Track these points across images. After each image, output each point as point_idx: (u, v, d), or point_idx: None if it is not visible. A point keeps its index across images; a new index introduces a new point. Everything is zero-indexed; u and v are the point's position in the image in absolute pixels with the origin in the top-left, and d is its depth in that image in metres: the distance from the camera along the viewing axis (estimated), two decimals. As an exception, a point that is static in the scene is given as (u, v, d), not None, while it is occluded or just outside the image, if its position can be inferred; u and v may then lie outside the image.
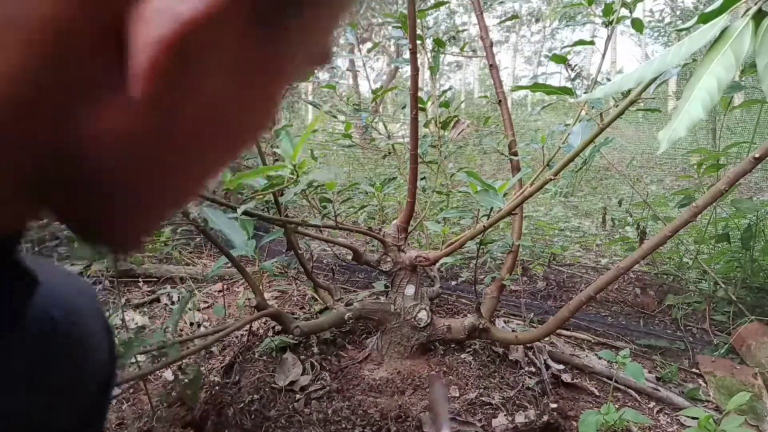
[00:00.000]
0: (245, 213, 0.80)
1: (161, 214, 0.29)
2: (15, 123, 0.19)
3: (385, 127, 1.61)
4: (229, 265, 0.91)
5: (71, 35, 0.17)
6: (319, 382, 1.01)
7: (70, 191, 0.22)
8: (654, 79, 0.70)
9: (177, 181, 0.26)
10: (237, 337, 1.25)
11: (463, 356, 1.12)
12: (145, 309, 1.44)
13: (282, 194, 0.93)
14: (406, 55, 0.93)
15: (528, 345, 1.16)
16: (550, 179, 0.86)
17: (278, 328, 1.21)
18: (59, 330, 0.36)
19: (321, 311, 1.30)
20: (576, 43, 1.04)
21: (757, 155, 0.69)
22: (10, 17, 0.17)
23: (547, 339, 1.25)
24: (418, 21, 1.03)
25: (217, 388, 1.02)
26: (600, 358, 1.15)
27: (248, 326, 1.24)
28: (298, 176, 0.73)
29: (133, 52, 0.17)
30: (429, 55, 1.22)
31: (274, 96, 0.25)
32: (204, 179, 0.27)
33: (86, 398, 0.39)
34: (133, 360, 0.87)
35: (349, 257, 1.14)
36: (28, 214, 0.23)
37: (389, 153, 1.64)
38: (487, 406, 0.96)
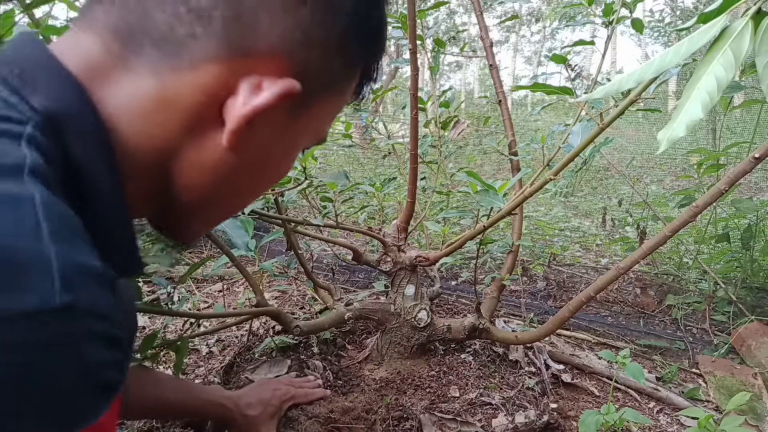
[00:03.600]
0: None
1: (217, 222, 0.47)
2: (152, 157, 0.34)
3: (385, 127, 1.61)
4: (230, 264, 0.92)
5: (200, 117, 0.34)
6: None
7: (164, 199, 0.38)
8: (654, 79, 0.70)
9: (235, 200, 0.43)
10: (237, 337, 1.25)
11: (463, 356, 1.12)
12: (145, 309, 1.44)
13: (282, 194, 0.93)
14: (406, 55, 0.93)
15: (528, 345, 1.16)
16: (550, 179, 0.86)
17: (278, 328, 1.21)
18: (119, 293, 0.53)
19: (321, 311, 1.30)
20: (576, 43, 1.04)
21: (757, 155, 0.69)
22: (183, 99, 0.34)
23: (547, 339, 1.25)
24: (418, 21, 1.03)
25: (217, 388, 1.02)
26: (600, 358, 1.15)
27: (248, 326, 1.24)
28: (306, 177, 0.74)
29: (228, 120, 0.34)
30: (429, 55, 1.22)
31: (291, 156, 0.43)
32: (250, 201, 0.46)
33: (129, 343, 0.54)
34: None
35: (349, 257, 1.14)
36: (142, 211, 0.40)
37: (389, 153, 1.63)
38: (487, 406, 0.96)
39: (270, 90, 0.33)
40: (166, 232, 0.43)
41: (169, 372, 1.08)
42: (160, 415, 0.84)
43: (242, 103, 0.33)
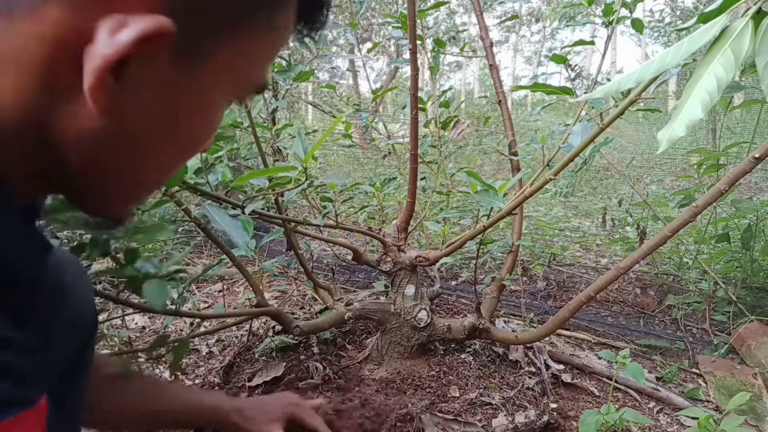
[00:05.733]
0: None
1: (139, 195, 0.40)
2: (19, 128, 0.28)
3: (385, 127, 1.61)
4: (230, 264, 0.92)
5: (56, 75, 0.27)
6: (327, 384, 1.01)
7: (60, 173, 0.32)
8: (654, 79, 0.70)
9: (144, 172, 0.35)
10: (237, 337, 1.25)
11: (463, 356, 1.12)
12: (145, 309, 1.44)
13: (282, 194, 0.93)
14: (406, 55, 0.93)
15: (528, 345, 1.16)
16: (550, 179, 0.86)
17: (278, 328, 1.21)
18: (67, 287, 0.49)
19: (321, 311, 1.30)
20: (576, 43, 1.04)
21: (757, 155, 0.69)
22: (14, 60, 0.27)
23: (547, 339, 1.25)
24: (418, 21, 1.03)
25: (216, 388, 1.02)
26: (600, 358, 1.15)
27: (248, 326, 1.24)
28: (307, 178, 0.74)
29: (85, 78, 0.27)
30: (429, 55, 1.22)
31: (208, 113, 0.34)
32: (170, 169, 0.38)
33: (80, 338, 0.51)
34: (133, 360, 0.87)
35: (349, 257, 1.14)
36: (36, 190, 0.34)
37: (389, 153, 1.63)
38: (487, 406, 0.96)
39: (126, 32, 0.26)
40: (84, 209, 0.38)
41: (166, 373, 1.08)
42: (158, 425, 0.79)
43: (98, 53, 0.26)
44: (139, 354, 0.84)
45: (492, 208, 0.94)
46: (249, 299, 1.46)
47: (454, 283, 1.75)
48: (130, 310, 1.33)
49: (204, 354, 1.19)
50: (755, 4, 0.42)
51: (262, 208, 0.91)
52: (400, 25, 1.16)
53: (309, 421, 0.80)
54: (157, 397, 0.73)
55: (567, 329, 1.41)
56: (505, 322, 1.39)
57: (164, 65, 0.29)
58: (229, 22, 0.30)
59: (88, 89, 0.27)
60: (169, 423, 0.79)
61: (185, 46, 0.29)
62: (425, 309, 1.05)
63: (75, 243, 0.59)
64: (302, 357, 1.10)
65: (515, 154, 1.16)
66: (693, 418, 0.91)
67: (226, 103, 0.36)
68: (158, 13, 0.26)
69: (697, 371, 1.24)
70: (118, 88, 0.27)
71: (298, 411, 0.80)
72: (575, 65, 1.03)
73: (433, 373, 1.05)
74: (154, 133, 0.32)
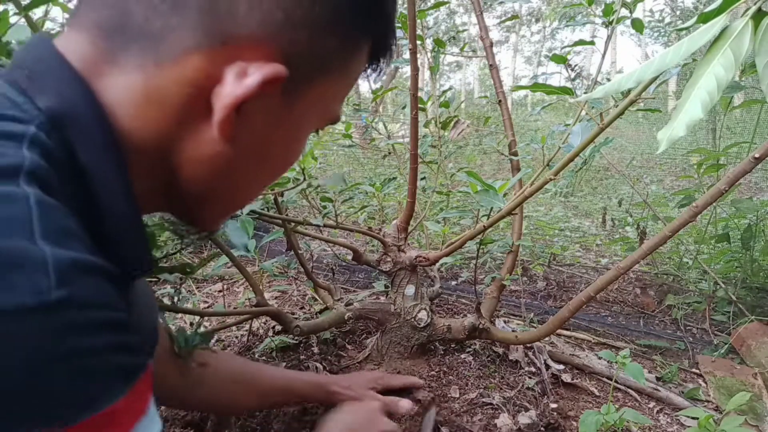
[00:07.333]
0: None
1: (233, 210, 0.49)
2: (152, 152, 0.35)
3: (385, 127, 1.62)
4: (230, 264, 0.92)
5: (190, 110, 0.34)
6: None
7: (172, 192, 0.39)
8: (654, 79, 0.70)
9: (244, 189, 0.43)
10: (237, 337, 1.25)
11: (463, 356, 1.12)
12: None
13: (282, 194, 0.93)
14: (406, 55, 0.93)
15: (528, 345, 1.16)
16: (550, 179, 0.86)
17: (278, 328, 1.21)
18: (134, 303, 0.51)
19: (321, 311, 1.30)
20: (576, 43, 1.04)
21: (757, 155, 0.69)
22: (163, 97, 0.33)
23: (547, 339, 1.25)
24: (418, 21, 1.03)
25: (217, 388, 1.02)
26: (600, 358, 1.15)
27: (248, 326, 1.24)
28: (305, 179, 0.74)
29: (215, 111, 0.34)
30: (429, 55, 1.22)
31: (298, 141, 0.43)
32: (259, 190, 0.46)
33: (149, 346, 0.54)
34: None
35: (349, 257, 1.14)
36: (157, 206, 0.41)
37: (389, 153, 1.64)
38: (488, 406, 0.96)
39: (253, 77, 0.33)
40: (185, 222, 0.44)
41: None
42: (261, 406, 0.84)
43: (227, 93, 0.33)
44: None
45: (492, 208, 0.94)
46: (249, 299, 1.46)
47: (454, 283, 1.75)
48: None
49: (204, 354, 1.19)
50: (755, 4, 0.42)
51: (262, 208, 0.91)
52: (400, 25, 1.16)
53: (398, 383, 0.89)
54: (259, 377, 0.78)
55: (567, 329, 1.41)
56: (505, 322, 1.39)
57: (273, 104, 0.36)
58: (323, 67, 0.38)
59: (218, 121, 0.34)
60: (275, 402, 0.83)
61: (288, 87, 0.36)
62: (425, 309, 1.05)
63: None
64: (302, 357, 1.10)
65: (515, 154, 1.16)
66: (693, 418, 0.91)
67: (310, 133, 0.44)
68: (274, 61, 0.34)
69: (697, 371, 1.24)
70: (237, 121, 0.34)
71: (387, 379, 0.88)
72: (575, 65, 1.03)
73: (433, 373, 1.05)
74: (257, 158, 0.39)
